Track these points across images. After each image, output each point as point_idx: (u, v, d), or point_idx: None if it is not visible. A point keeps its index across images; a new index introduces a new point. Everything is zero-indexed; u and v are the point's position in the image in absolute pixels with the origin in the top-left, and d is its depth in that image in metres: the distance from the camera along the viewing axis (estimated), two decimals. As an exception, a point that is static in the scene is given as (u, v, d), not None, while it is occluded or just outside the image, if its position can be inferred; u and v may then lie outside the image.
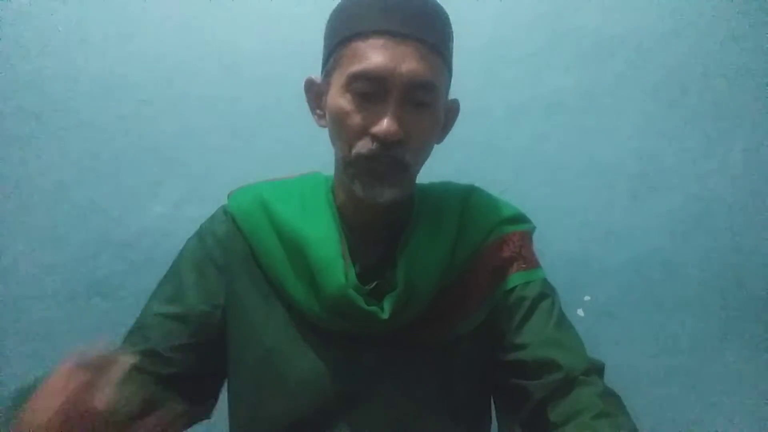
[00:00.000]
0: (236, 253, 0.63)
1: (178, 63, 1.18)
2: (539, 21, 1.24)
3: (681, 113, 1.27)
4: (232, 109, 1.19)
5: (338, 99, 0.55)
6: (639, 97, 1.26)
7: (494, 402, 0.65)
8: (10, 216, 1.13)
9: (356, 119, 0.53)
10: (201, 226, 0.68)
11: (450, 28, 0.58)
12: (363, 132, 0.53)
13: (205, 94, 1.18)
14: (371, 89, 0.52)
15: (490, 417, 0.67)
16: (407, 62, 0.52)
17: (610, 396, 0.54)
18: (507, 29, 1.23)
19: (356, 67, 0.52)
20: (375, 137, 0.52)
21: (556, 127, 1.25)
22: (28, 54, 1.13)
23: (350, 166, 0.55)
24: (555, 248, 1.23)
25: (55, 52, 1.14)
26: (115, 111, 1.16)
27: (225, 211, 0.66)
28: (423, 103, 0.54)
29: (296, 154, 1.17)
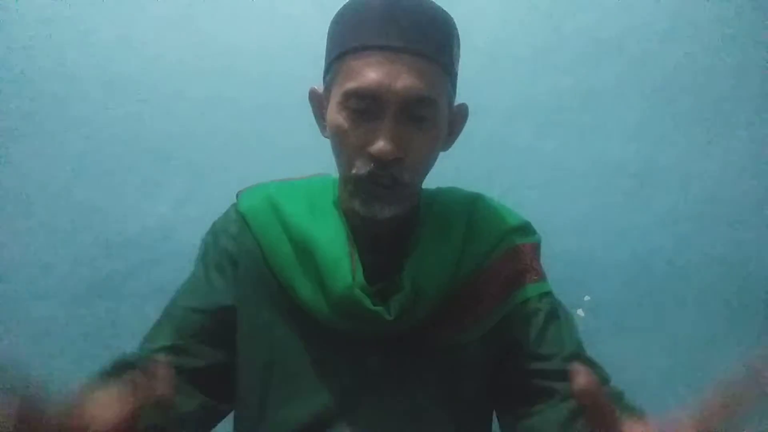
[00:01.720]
0: (247, 251, 0.63)
1: (178, 63, 1.18)
2: (539, 21, 1.24)
3: (681, 113, 1.27)
4: (232, 109, 1.19)
5: (336, 116, 0.54)
6: (639, 97, 1.26)
7: (499, 400, 0.65)
8: (10, 216, 1.13)
9: (353, 138, 0.53)
10: (214, 224, 0.68)
11: (453, 32, 0.56)
12: (360, 151, 0.52)
13: (205, 94, 1.18)
14: (367, 106, 0.52)
15: (491, 422, 0.67)
16: (403, 78, 0.50)
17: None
18: (507, 29, 1.23)
19: (351, 85, 0.52)
20: (372, 157, 0.51)
21: (557, 127, 1.25)
22: (29, 54, 1.13)
23: (349, 184, 0.55)
24: (555, 248, 1.23)
25: (55, 52, 1.14)
26: (115, 111, 1.16)
27: (236, 210, 0.67)
28: (421, 118, 0.53)
29: (296, 154, 1.17)
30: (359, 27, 0.53)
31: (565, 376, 0.55)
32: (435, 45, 0.53)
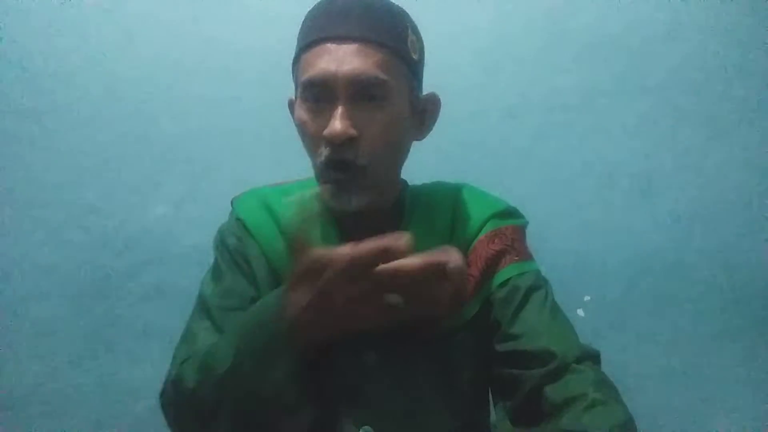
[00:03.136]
0: (251, 252, 0.64)
1: (178, 63, 1.18)
2: (539, 21, 1.24)
3: (681, 113, 1.27)
4: (232, 109, 1.19)
5: (298, 111, 0.57)
6: (639, 96, 1.26)
7: (490, 391, 0.65)
8: (10, 216, 1.13)
9: (312, 127, 0.55)
10: (220, 230, 0.69)
11: (405, 22, 0.58)
12: (318, 138, 0.54)
13: (205, 94, 1.18)
14: (321, 95, 0.54)
15: (489, 407, 0.67)
16: (349, 62, 0.52)
17: (603, 384, 0.54)
18: (507, 30, 1.23)
19: (304, 77, 0.54)
20: (326, 140, 0.53)
21: (556, 127, 1.25)
22: (28, 54, 1.13)
23: (318, 177, 0.57)
24: (555, 248, 1.23)
25: (55, 52, 1.14)
26: (115, 111, 1.16)
27: (234, 215, 0.68)
28: (374, 99, 0.54)
29: (296, 154, 1.16)
30: (313, 25, 0.56)
31: (532, 358, 0.56)
32: (383, 32, 0.55)
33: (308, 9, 0.60)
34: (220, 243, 0.67)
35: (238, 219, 0.66)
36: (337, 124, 0.52)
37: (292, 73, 0.62)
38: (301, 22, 0.61)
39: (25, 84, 1.13)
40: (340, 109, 0.52)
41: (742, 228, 1.27)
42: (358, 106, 0.53)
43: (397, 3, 0.62)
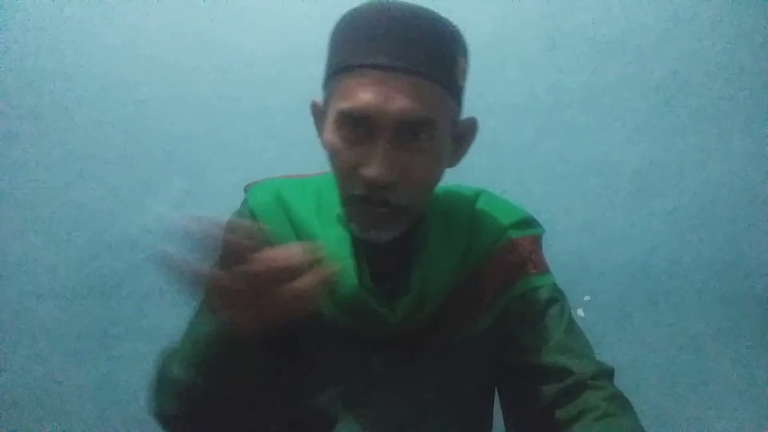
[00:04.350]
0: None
1: (178, 63, 1.18)
2: (539, 21, 1.24)
3: (681, 113, 1.27)
4: (232, 109, 1.19)
5: (330, 135, 0.53)
6: (639, 97, 1.26)
7: (501, 402, 0.65)
8: (10, 216, 1.13)
9: (347, 159, 0.51)
10: (229, 219, 0.68)
11: (456, 46, 0.53)
12: (354, 173, 0.51)
13: (205, 94, 1.18)
14: (361, 128, 0.50)
15: (491, 418, 0.67)
16: (398, 99, 0.48)
17: (616, 398, 0.54)
18: (507, 29, 1.23)
19: (344, 105, 0.50)
20: (365, 181, 0.50)
21: (556, 127, 1.25)
22: (28, 54, 1.13)
23: (346, 206, 0.55)
24: (555, 248, 1.23)
25: (55, 52, 1.14)
26: (115, 111, 1.16)
27: (246, 205, 0.66)
28: (418, 141, 0.50)
29: (296, 155, 1.17)
30: (354, 43, 0.50)
31: (548, 373, 0.56)
32: (434, 62, 0.50)
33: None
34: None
35: (250, 211, 0.65)
36: (378, 168, 0.48)
37: (324, 86, 0.56)
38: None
39: (25, 84, 1.13)
40: (381, 150, 0.49)
41: (742, 228, 1.27)
42: (401, 146, 0.50)
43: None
